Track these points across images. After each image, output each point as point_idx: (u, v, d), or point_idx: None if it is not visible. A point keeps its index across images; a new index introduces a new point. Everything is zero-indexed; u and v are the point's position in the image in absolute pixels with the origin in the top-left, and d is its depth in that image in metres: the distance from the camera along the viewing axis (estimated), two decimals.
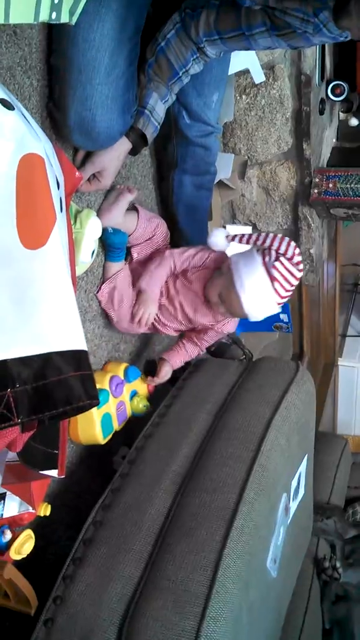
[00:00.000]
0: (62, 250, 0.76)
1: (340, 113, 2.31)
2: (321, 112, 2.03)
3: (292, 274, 1.39)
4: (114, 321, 1.50)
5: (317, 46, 1.90)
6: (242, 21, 1.20)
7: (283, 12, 1.13)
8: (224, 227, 2.22)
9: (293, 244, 1.38)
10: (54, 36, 1.17)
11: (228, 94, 1.78)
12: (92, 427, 1.34)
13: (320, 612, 1.86)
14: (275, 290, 1.39)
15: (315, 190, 2.05)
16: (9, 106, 0.78)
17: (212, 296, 1.46)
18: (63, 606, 1.08)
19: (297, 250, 1.38)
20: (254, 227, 2.24)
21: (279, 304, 1.44)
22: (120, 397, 1.44)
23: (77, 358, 0.71)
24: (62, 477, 0.83)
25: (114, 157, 1.30)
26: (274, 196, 2.14)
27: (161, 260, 1.50)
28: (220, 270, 1.47)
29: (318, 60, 1.93)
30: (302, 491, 1.56)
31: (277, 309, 1.46)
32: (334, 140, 2.33)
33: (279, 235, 1.38)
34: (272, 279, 1.37)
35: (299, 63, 1.88)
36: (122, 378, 1.48)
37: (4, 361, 0.65)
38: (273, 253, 1.37)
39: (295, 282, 1.42)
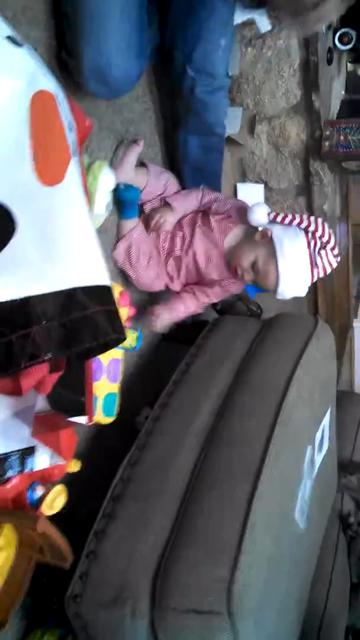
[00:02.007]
0: (79, 186, 0.74)
1: (348, 63, 2.25)
2: (329, 62, 1.97)
3: (330, 265, 1.45)
4: (132, 279, 1.48)
5: None
6: None
7: None
8: (235, 186, 2.19)
9: (333, 235, 1.42)
10: None
11: (233, 47, 1.73)
12: None
13: (347, 567, 1.86)
14: (312, 275, 1.43)
15: (326, 144, 2.00)
16: (16, 43, 0.76)
17: (243, 262, 1.45)
18: (96, 560, 1.09)
19: (334, 242, 1.42)
20: (265, 185, 2.20)
21: (306, 288, 1.47)
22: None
23: (101, 293, 0.70)
24: (91, 424, 0.82)
25: None
26: (284, 152, 2.10)
27: (191, 190, 1.52)
28: (255, 236, 1.46)
29: None
30: (326, 444, 1.55)
31: (303, 293, 1.48)
32: (343, 92, 2.28)
33: (323, 222, 1.42)
34: (315, 265, 1.41)
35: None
36: None
37: (28, 298, 0.64)
38: (318, 240, 1.40)
39: (329, 272, 1.45)
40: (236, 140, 2.01)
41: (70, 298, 0.67)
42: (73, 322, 0.66)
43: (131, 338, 1.32)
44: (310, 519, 1.38)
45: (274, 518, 1.14)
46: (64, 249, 0.69)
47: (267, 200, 2.24)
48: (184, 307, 1.54)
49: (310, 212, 2.22)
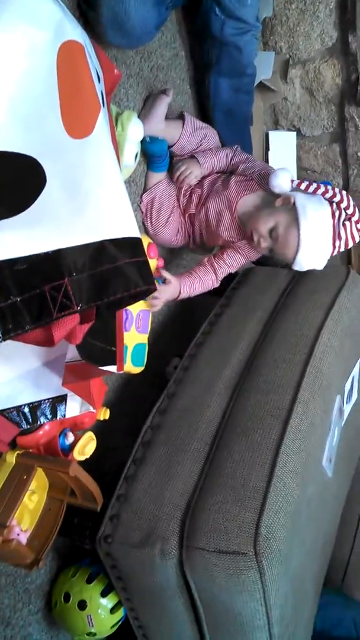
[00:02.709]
0: (108, 139, 0.75)
1: None
2: None
3: (353, 238, 1.37)
4: (150, 233, 1.47)
5: None
6: None
7: None
8: (266, 134, 2.15)
9: (358, 209, 1.37)
10: None
11: None
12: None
13: None
14: (334, 246, 1.35)
15: None
16: None
17: (261, 227, 1.36)
18: (127, 503, 1.13)
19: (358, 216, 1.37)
20: (298, 132, 2.15)
21: (325, 261, 1.40)
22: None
23: (131, 245, 0.70)
24: (121, 372, 0.84)
25: None
26: (318, 97, 2.04)
27: (223, 148, 1.48)
28: (275, 202, 1.38)
29: None
30: (355, 395, 1.56)
31: (321, 266, 1.41)
32: None
33: (348, 194, 1.36)
34: (338, 236, 1.34)
35: None
36: None
37: (59, 250, 0.65)
38: (343, 211, 1.34)
39: (351, 246, 1.39)
40: (268, 86, 1.96)
41: (100, 250, 0.68)
42: (103, 274, 0.67)
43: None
44: (338, 467, 1.40)
45: (301, 465, 1.16)
46: (93, 201, 0.69)
47: (300, 148, 2.19)
48: (199, 281, 1.43)
49: (345, 158, 2.16)
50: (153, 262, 1.30)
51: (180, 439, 1.20)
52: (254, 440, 1.16)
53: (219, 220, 1.44)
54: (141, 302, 1.25)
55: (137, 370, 1.27)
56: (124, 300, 0.69)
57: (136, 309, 1.24)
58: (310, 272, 1.60)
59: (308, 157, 2.19)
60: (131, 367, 1.25)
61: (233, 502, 1.07)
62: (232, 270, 1.48)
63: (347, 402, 1.49)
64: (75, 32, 0.76)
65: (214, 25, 1.42)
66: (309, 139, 2.18)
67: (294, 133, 2.16)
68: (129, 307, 1.20)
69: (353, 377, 1.51)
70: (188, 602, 1.12)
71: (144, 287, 0.69)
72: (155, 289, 0.72)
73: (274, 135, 2.14)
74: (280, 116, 2.14)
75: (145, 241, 1.28)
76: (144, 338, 1.29)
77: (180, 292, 1.37)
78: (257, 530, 1.03)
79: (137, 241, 0.72)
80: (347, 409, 1.50)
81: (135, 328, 1.25)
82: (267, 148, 2.13)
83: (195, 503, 1.10)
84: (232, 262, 1.45)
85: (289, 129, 2.16)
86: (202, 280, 1.43)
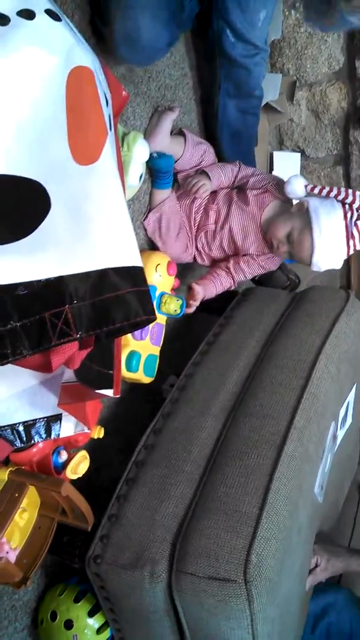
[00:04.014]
0: (114, 166, 0.75)
1: None
2: None
3: None
4: (160, 250, 1.49)
5: None
6: None
7: None
8: (271, 154, 2.16)
9: None
10: None
11: (276, 9, 1.68)
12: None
13: None
14: (348, 246, 1.41)
15: None
16: (55, 17, 0.75)
17: (278, 233, 1.44)
18: (118, 524, 1.12)
19: None
20: (302, 153, 2.16)
21: (342, 260, 1.45)
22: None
23: (133, 274, 0.70)
24: (118, 396, 0.84)
25: None
26: (324, 119, 2.06)
27: (227, 163, 1.52)
28: (291, 209, 1.46)
29: None
30: (349, 420, 1.56)
31: (339, 265, 1.47)
32: None
33: None
34: (350, 235, 1.39)
35: None
36: None
37: (61, 277, 0.65)
38: (355, 211, 1.39)
39: None
40: (274, 107, 1.97)
41: (102, 278, 0.68)
42: (104, 302, 0.67)
43: (175, 305, 1.34)
44: (328, 493, 1.39)
45: (294, 492, 1.15)
46: (97, 229, 0.69)
47: (304, 169, 2.21)
48: (220, 285, 1.52)
49: (348, 181, 2.18)
50: (171, 280, 1.35)
51: (174, 461, 1.19)
52: (248, 465, 1.15)
53: (245, 235, 1.50)
54: (158, 315, 1.30)
55: (148, 380, 1.31)
56: (124, 329, 0.68)
57: None
58: (309, 295, 1.61)
59: (312, 179, 2.20)
60: (142, 376, 1.29)
61: (224, 527, 1.07)
62: (249, 278, 1.57)
63: (340, 428, 1.49)
64: (86, 58, 0.77)
65: (225, 47, 1.43)
66: (313, 161, 2.19)
67: (299, 154, 2.17)
68: None
69: (348, 403, 1.51)
70: (175, 626, 1.11)
71: (145, 316, 0.69)
72: (155, 319, 0.72)
73: (278, 156, 2.15)
74: (285, 137, 2.15)
75: (165, 259, 1.32)
76: (156, 350, 1.33)
77: (205, 297, 1.48)
78: (247, 557, 1.02)
79: (138, 270, 0.72)
80: (341, 434, 1.50)
81: (150, 339, 1.29)
82: (271, 168, 2.14)
83: (186, 527, 1.09)
84: (250, 270, 1.55)
85: (293, 150, 2.17)
86: (223, 285, 1.53)
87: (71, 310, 0.64)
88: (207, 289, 1.49)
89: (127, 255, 0.71)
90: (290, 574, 1.15)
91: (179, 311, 1.35)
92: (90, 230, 0.69)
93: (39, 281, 0.64)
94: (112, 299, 0.67)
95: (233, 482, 1.13)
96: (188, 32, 1.53)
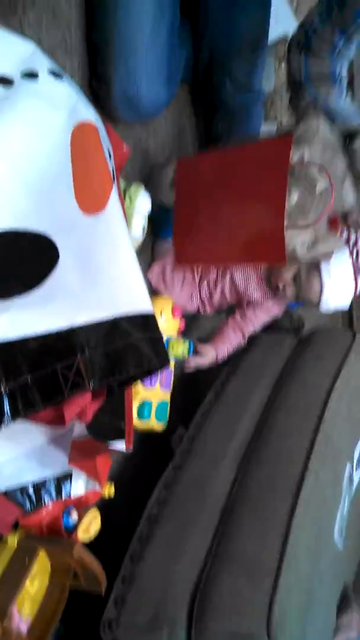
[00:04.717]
0: (121, 214, 0.75)
1: None
2: None
3: None
4: None
5: None
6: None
7: None
8: None
9: None
10: (95, 13, 1.16)
11: (267, 62, 1.74)
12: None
13: None
14: (356, 284, 1.40)
15: None
16: (58, 76, 0.77)
17: (286, 275, 1.42)
18: (132, 585, 1.08)
19: None
20: None
21: (349, 300, 1.44)
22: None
23: (144, 321, 0.70)
24: (130, 449, 0.82)
25: None
26: None
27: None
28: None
29: None
30: None
31: (347, 304, 1.45)
32: None
33: None
34: (358, 273, 1.38)
35: None
36: None
37: (72, 327, 0.64)
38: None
39: None
40: None
41: (113, 327, 0.67)
42: (116, 351, 0.66)
43: (183, 348, 1.32)
44: (348, 538, 1.35)
45: (313, 539, 1.12)
46: (106, 277, 0.69)
47: None
48: (230, 346, 1.51)
49: (344, 220, 2.19)
50: (176, 322, 1.33)
51: (187, 514, 1.16)
52: (265, 514, 1.13)
53: (247, 282, 1.48)
54: None
55: (160, 427, 1.28)
56: (137, 376, 0.68)
57: None
58: (315, 338, 1.60)
59: None
60: (155, 423, 1.26)
61: (244, 581, 1.03)
62: (258, 329, 1.54)
63: (356, 469, 1.45)
64: (89, 113, 0.78)
65: (225, 97, 1.48)
66: None
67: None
68: None
69: None
70: None
71: (158, 364, 0.69)
72: (168, 365, 0.71)
73: None
74: None
75: (169, 303, 1.31)
76: (167, 395, 1.31)
77: (217, 359, 1.46)
78: (269, 611, 0.98)
79: (150, 316, 0.71)
80: (357, 475, 1.46)
81: (160, 385, 1.27)
82: None
83: (204, 582, 1.06)
84: (259, 320, 1.52)
85: None
86: (233, 344, 1.50)
87: (83, 361, 0.63)
88: (218, 351, 1.48)
89: (138, 302, 0.71)
90: (313, 624, 1.11)
91: (187, 354, 1.34)
92: (99, 279, 0.69)
93: (50, 332, 0.63)
94: (124, 347, 0.67)
95: (250, 532, 1.10)
96: (184, 87, 1.57)
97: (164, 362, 0.70)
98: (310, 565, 1.09)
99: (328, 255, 1.36)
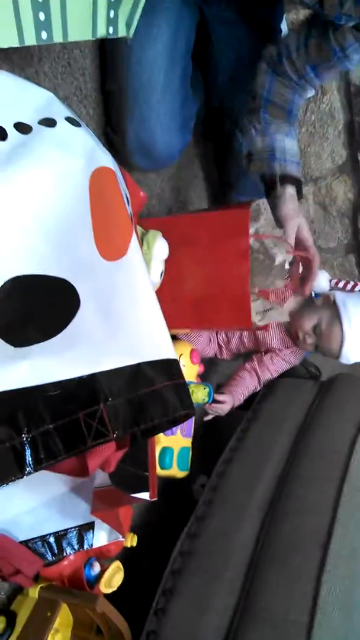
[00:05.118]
0: (141, 260, 0.75)
1: None
2: None
3: None
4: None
5: None
6: (333, 45, 1.10)
7: None
8: None
9: None
10: (108, 62, 1.18)
11: None
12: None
13: None
14: None
15: None
16: (75, 123, 0.78)
17: (306, 325, 1.43)
18: None
19: None
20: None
21: None
22: None
23: (168, 367, 0.68)
24: (155, 499, 0.79)
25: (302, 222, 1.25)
26: (332, 211, 2.10)
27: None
28: (315, 302, 1.47)
29: None
30: None
31: None
32: None
33: None
34: None
35: (347, 74, 1.85)
36: None
37: (94, 374, 0.63)
38: None
39: None
40: None
41: (136, 373, 0.65)
42: (140, 398, 0.64)
43: (203, 393, 1.30)
44: None
45: (345, 595, 1.07)
46: (128, 323, 0.68)
47: None
48: (246, 390, 1.51)
49: None
50: (195, 368, 1.32)
51: (212, 568, 1.11)
52: (293, 569, 1.07)
53: (265, 329, 1.47)
54: None
55: (182, 474, 1.27)
56: (162, 425, 0.65)
57: None
58: (337, 383, 1.57)
59: (325, 268, 2.22)
60: (177, 471, 1.25)
61: (274, 639, 0.98)
62: (274, 376, 1.53)
63: None
64: (107, 159, 0.79)
65: (236, 147, 1.49)
66: (325, 251, 2.22)
67: None
68: None
69: None
70: None
71: (184, 411, 0.67)
72: (195, 413, 0.69)
73: None
74: None
75: (188, 347, 1.30)
76: (188, 442, 1.29)
77: (234, 405, 1.45)
78: None
79: (173, 362, 0.70)
80: None
81: (180, 431, 1.25)
82: None
83: None
84: (276, 367, 1.52)
85: None
86: (249, 389, 1.50)
87: (106, 409, 0.62)
88: (234, 396, 1.47)
89: (161, 348, 0.69)
90: None
91: (207, 399, 1.31)
92: (121, 325, 0.67)
93: (71, 380, 0.62)
94: (148, 394, 0.65)
95: (278, 588, 1.05)
96: (196, 135, 1.59)
97: (189, 409, 0.68)
98: (343, 622, 1.03)
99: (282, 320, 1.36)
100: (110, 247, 0.72)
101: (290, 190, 1.19)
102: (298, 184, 1.22)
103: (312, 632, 0.97)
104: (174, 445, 1.23)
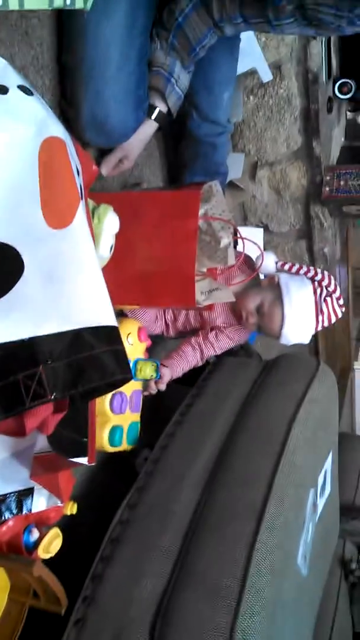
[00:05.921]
0: (87, 230, 0.76)
1: (348, 112, 2.31)
2: (329, 111, 2.03)
3: (335, 313, 1.47)
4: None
5: (324, 44, 1.91)
6: (269, 11, 1.14)
7: (316, 10, 1.10)
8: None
9: (339, 287, 1.46)
10: (65, 35, 1.17)
11: (236, 95, 1.78)
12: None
13: (350, 615, 1.82)
14: (317, 321, 1.45)
15: (327, 189, 2.04)
16: (27, 92, 0.78)
17: (249, 305, 1.45)
18: (93, 606, 1.06)
19: (340, 293, 1.46)
20: (266, 228, 2.23)
21: (310, 335, 1.48)
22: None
23: (108, 334, 0.70)
24: (93, 464, 0.81)
25: (140, 140, 1.31)
26: (285, 196, 2.14)
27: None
28: (260, 282, 1.49)
29: (324, 58, 1.94)
30: (328, 488, 1.53)
31: (307, 340, 1.49)
32: (342, 139, 2.33)
33: (330, 274, 1.46)
34: (320, 311, 1.43)
35: (306, 61, 1.88)
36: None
37: (35, 337, 0.64)
38: (324, 288, 1.43)
39: (334, 321, 1.48)
40: (238, 185, 2.05)
41: (77, 338, 0.67)
42: (80, 362, 0.66)
43: (151, 370, 1.32)
44: (312, 565, 1.35)
45: (276, 563, 1.12)
46: (71, 289, 0.70)
47: (268, 243, 2.27)
48: (187, 364, 1.50)
49: (311, 255, 2.25)
50: (143, 345, 1.34)
51: (150, 536, 1.15)
52: (227, 537, 1.12)
53: (211, 308, 1.49)
54: (133, 382, 1.29)
55: (130, 448, 1.30)
56: (100, 389, 0.68)
57: (129, 389, 1.26)
58: (280, 363, 1.62)
59: (276, 253, 2.26)
60: (126, 446, 1.27)
61: (206, 603, 1.02)
62: (218, 353, 1.54)
63: (320, 497, 1.46)
64: (58, 129, 0.79)
65: (191, 127, 1.51)
66: (277, 235, 2.26)
67: (262, 229, 2.24)
68: (123, 389, 1.21)
69: (326, 470, 1.50)
70: None
71: (121, 375, 0.69)
72: (131, 378, 0.71)
73: (242, 231, 2.20)
74: (249, 213, 2.23)
75: (135, 325, 1.31)
76: (137, 417, 1.32)
77: (172, 377, 1.45)
78: (231, 634, 0.97)
79: (113, 329, 0.72)
80: (321, 503, 1.47)
81: (129, 409, 1.27)
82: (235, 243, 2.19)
83: (166, 604, 1.04)
84: (220, 345, 1.52)
85: (257, 225, 2.24)
86: (190, 364, 1.50)
87: (45, 371, 0.63)
88: (174, 370, 1.46)
89: (102, 315, 0.71)
90: None
91: (155, 375, 1.33)
92: (64, 291, 0.69)
93: (12, 342, 0.63)
94: (87, 358, 0.67)
95: (212, 555, 1.09)
96: None
97: (127, 374, 0.70)
98: (272, 590, 1.08)
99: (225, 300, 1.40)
100: (56, 215, 0.73)
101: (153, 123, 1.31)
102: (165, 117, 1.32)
103: (243, 596, 1.02)
104: (123, 422, 1.25)
